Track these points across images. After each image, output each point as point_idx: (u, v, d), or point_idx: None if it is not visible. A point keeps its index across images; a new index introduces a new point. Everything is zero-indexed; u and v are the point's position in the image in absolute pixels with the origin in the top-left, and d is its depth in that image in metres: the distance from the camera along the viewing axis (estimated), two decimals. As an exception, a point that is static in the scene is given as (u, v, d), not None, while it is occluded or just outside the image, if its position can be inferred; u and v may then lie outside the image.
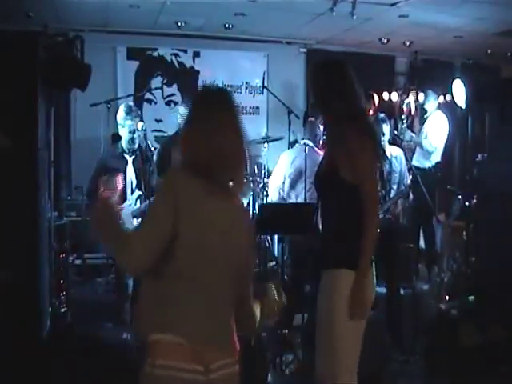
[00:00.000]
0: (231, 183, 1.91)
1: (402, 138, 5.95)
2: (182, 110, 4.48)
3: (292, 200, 4.94)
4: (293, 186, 4.92)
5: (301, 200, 4.83)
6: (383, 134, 4.55)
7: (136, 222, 4.26)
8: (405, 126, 6.22)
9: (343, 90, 2.51)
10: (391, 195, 4.55)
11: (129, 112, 4.40)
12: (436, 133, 6.24)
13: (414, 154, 6.29)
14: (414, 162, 6.04)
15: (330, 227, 2.60)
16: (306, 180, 4.69)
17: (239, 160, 1.90)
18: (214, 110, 1.90)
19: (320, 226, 2.74)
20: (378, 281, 4.80)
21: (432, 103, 6.41)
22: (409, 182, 4.61)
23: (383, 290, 4.68)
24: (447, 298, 4.90)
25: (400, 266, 4.60)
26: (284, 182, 4.98)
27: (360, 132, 2.47)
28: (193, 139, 1.88)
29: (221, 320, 1.87)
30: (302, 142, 5.00)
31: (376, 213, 2.51)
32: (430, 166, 6.18)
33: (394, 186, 4.59)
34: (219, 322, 1.86)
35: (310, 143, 4.93)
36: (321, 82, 2.57)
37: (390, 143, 4.75)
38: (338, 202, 2.52)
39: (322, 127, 5.90)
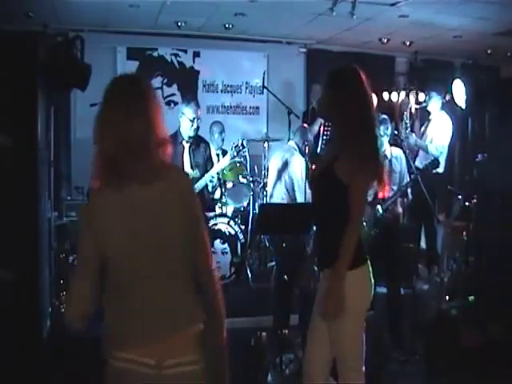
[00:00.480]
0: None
1: (407, 142, 5.93)
2: (184, 109, 4.46)
3: (278, 190, 5.04)
4: (279, 176, 5.02)
5: (285, 189, 4.97)
6: (385, 135, 4.56)
7: None
8: (408, 130, 6.17)
9: (361, 103, 2.55)
10: (390, 195, 4.56)
11: None
12: (441, 136, 6.15)
13: (416, 155, 6.24)
14: (418, 164, 6.01)
15: (329, 227, 2.61)
16: (306, 184, 4.75)
17: (149, 147, 1.81)
18: (119, 99, 1.82)
19: (316, 226, 2.76)
20: (378, 281, 4.83)
21: (435, 104, 6.32)
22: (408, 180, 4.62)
23: (383, 289, 4.69)
24: (447, 297, 4.90)
25: (400, 266, 4.60)
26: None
27: (373, 151, 2.54)
28: (98, 134, 1.81)
29: (174, 318, 1.83)
30: (291, 142, 5.17)
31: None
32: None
33: (394, 187, 4.58)
34: (172, 321, 1.83)
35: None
36: (339, 91, 2.57)
37: (391, 144, 4.75)
38: (336, 202, 2.54)
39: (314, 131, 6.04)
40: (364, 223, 4.62)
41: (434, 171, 6.06)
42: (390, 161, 4.59)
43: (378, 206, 4.53)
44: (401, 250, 4.77)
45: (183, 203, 1.86)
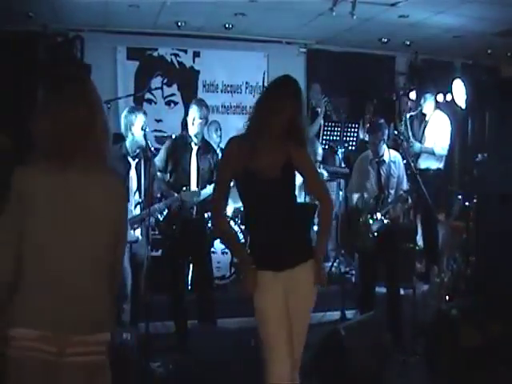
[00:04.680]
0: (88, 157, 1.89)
1: (412, 150, 5.96)
2: (192, 109, 4.45)
3: None
4: None
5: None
6: (383, 141, 4.55)
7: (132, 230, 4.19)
8: (412, 139, 6.17)
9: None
10: (389, 200, 4.55)
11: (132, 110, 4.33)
12: (442, 135, 6.16)
13: (419, 157, 6.22)
14: (422, 166, 6.01)
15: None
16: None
17: (85, 134, 1.87)
18: (59, 89, 1.91)
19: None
20: (378, 281, 4.84)
21: (429, 105, 6.33)
22: (407, 186, 4.60)
23: (383, 290, 4.69)
24: (447, 298, 4.90)
25: (400, 266, 4.60)
26: None
27: None
28: (38, 121, 1.88)
29: (82, 307, 1.85)
30: None
31: None
32: (441, 166, 6.17)
33: (392, 191, 4.57)
34: (79, 310, 1.84)
35: None
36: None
37: (389, 146, 4.73)
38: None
39: None
40: (363, 226, 4.63)
41: (435, 168, 6.09)
42: (389, 165, 4.58)
43: (378, 214, 4.52)
44: (400, 250, 4.77)
45: (115, 209, 1.96)
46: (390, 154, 4.60)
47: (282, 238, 2.65)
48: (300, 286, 2.66)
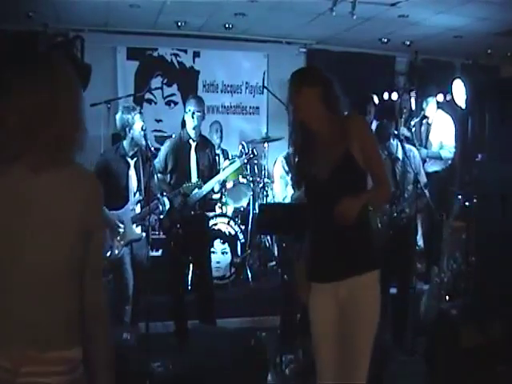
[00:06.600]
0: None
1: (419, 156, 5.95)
2: (188, 104, 4.46)
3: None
4: None
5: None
6: (393, 139, 4.52)
7: (135, 227, 4.21)
8: (417, 145, 6.15)
9: None
10: (406, 196, 4.49)
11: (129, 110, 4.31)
12: (447, 135, 6.16)
13: (425, 162, 6.18)
14: (429, 170, 6.00)
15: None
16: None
17: (42, 123, 1.63)
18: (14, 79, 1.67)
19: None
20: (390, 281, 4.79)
21: (431, 106, 6.30)
22: (425, 179, 4.55)
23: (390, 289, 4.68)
24: (447, 298, 4.89)
25: (412, 264, 4.57)
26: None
27: None
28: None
29: (42, 322, 1.60)
30: None
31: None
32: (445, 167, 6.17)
33: (409, 187, 4.51)
34: (38, 325, 1.60)
35: None
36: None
37: (401, 140, 4.67)
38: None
39: None
40: (379, 223, 4.58)
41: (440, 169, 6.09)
42: (403, 161, 4.51)
43: (394, 207, 4.47)
44: (414, 250, 4.72)
45: (82, 211, 1.65)
46: (403, 150, 4.54)
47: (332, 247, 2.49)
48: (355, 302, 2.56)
